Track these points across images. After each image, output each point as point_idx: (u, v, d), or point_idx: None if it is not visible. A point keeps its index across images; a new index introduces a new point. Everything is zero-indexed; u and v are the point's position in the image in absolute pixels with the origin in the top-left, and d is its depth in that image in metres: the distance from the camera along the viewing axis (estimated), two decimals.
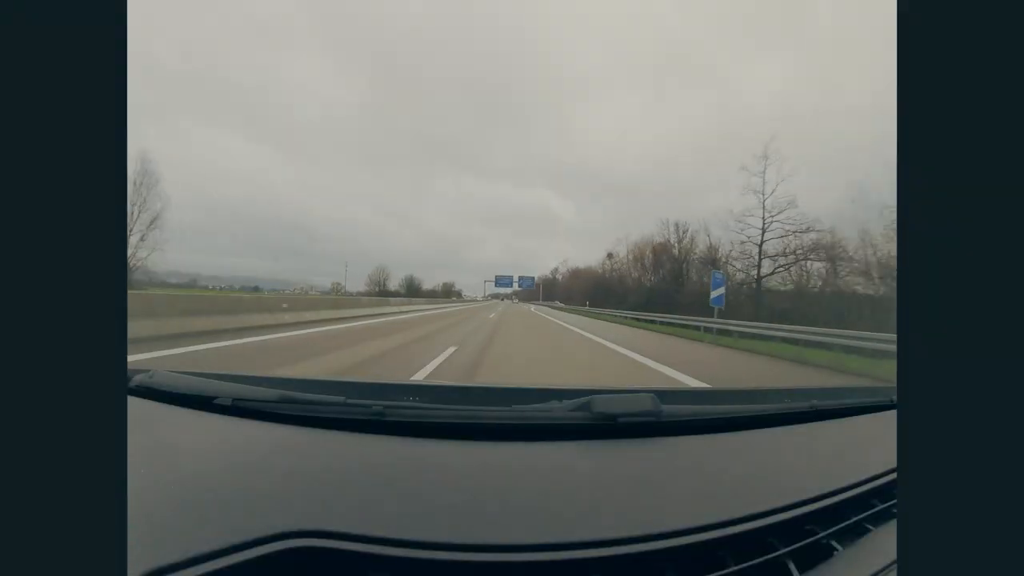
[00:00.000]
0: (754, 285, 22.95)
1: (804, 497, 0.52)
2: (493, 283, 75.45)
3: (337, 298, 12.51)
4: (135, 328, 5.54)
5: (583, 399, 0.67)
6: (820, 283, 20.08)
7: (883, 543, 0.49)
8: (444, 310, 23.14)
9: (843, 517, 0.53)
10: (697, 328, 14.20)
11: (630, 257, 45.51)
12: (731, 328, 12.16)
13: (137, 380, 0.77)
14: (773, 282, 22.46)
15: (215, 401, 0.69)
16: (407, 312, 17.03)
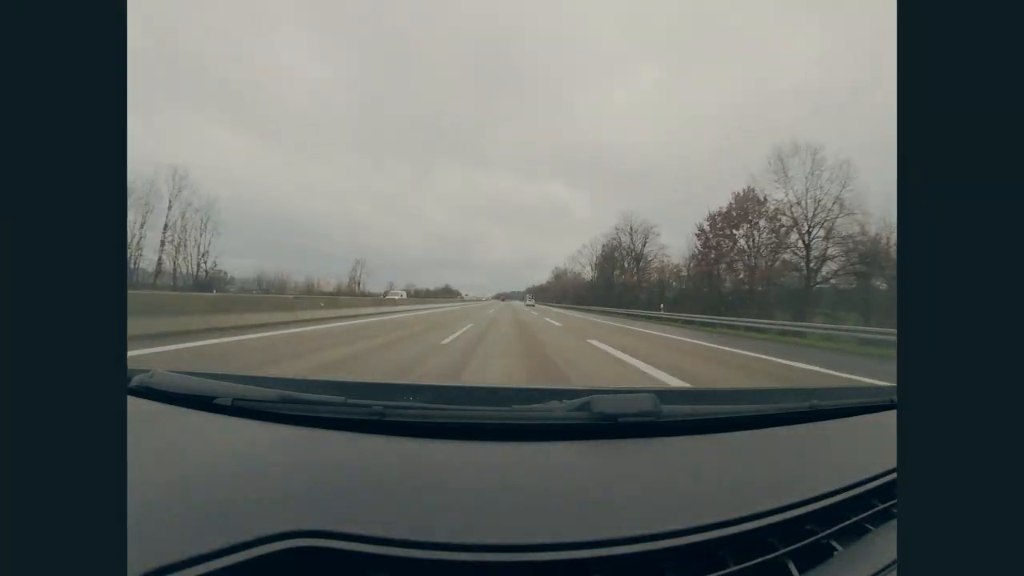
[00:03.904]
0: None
1: (804, 497, 0.52)
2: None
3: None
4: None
5: (583, 399, 0.67)
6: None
7: (883, 543, 0.49)
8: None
9: (843, 517, 0.53)
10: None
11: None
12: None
13: (137, 380, 0.77)
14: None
15: (215, 401, 0.69)
16: None
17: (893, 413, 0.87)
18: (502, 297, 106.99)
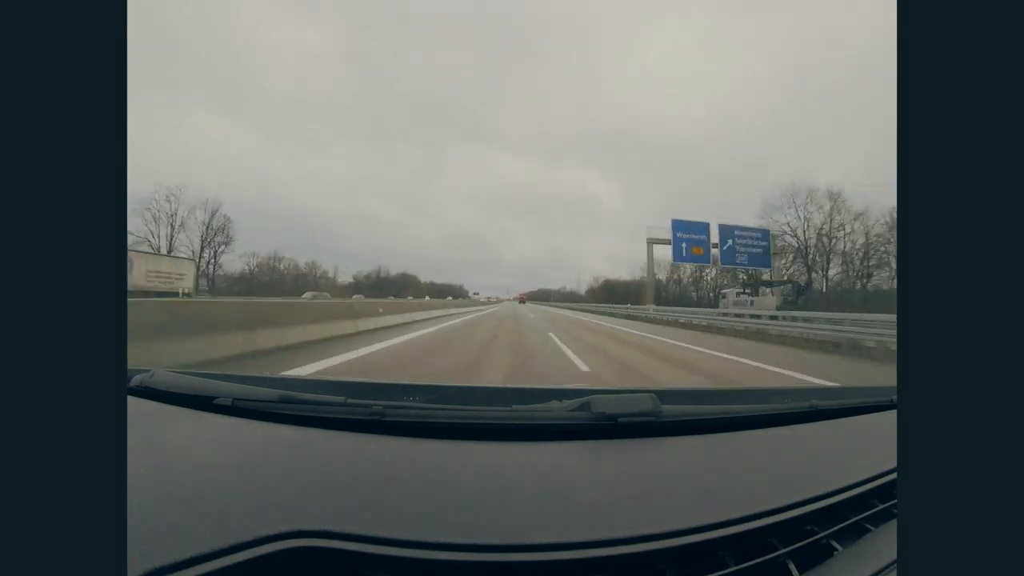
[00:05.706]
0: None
1: (804, 497, 0.52)
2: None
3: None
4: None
5: (583, 399, 0.67)
6: None
7: (883, 543, 0.49)
8: None
9: (843, 517, 0.53)
10: None
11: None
12: None
13: (137, 380, 0.77)
14: None
15: (215, 401, 0.69)
16: None
17: (893, 413, 0.87)
18: (521, 298, 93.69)
